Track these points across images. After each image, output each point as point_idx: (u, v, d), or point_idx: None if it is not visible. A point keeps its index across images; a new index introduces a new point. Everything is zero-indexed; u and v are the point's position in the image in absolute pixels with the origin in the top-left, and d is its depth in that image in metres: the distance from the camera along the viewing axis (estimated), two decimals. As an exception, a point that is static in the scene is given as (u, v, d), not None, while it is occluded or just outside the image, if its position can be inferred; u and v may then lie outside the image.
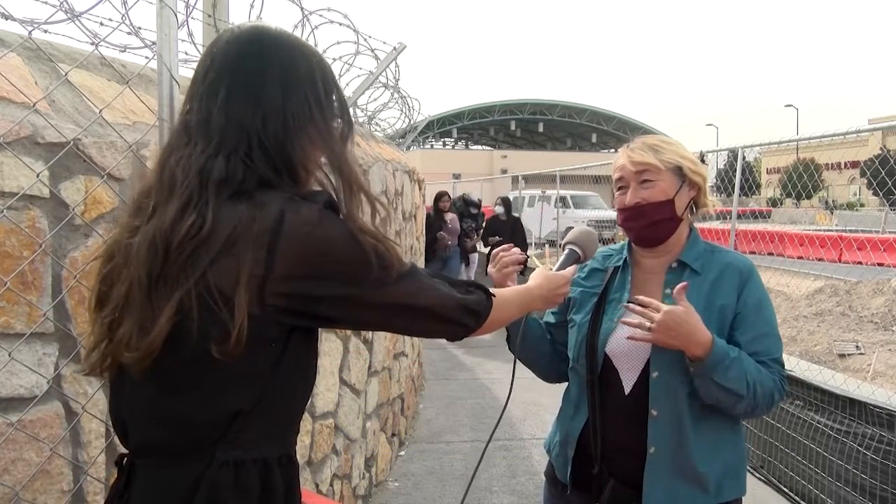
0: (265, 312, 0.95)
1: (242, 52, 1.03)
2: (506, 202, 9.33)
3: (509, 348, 1.68)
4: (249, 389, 0.98)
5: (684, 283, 1.49)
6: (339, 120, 1.10)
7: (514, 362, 1.60)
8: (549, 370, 1.78)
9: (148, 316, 0.95)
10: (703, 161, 1.66)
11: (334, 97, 1.10)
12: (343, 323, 1.11)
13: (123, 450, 1.08)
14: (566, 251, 1.59)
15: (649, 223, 1.59)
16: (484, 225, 9.69)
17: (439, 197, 8.81)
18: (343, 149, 1.08)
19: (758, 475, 3.97)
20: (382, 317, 1.08)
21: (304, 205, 0.98)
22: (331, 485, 3.13)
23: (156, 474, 0.99)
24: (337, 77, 1.18)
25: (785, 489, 3.80)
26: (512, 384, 1.53)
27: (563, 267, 1.53)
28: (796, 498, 3.69)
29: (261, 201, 0.96)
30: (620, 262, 1.68)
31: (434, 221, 8.52)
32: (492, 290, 1.24)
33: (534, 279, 1.42)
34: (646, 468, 1.51)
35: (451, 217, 8.82)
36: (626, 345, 1.56)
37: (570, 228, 1.79)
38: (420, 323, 1.11)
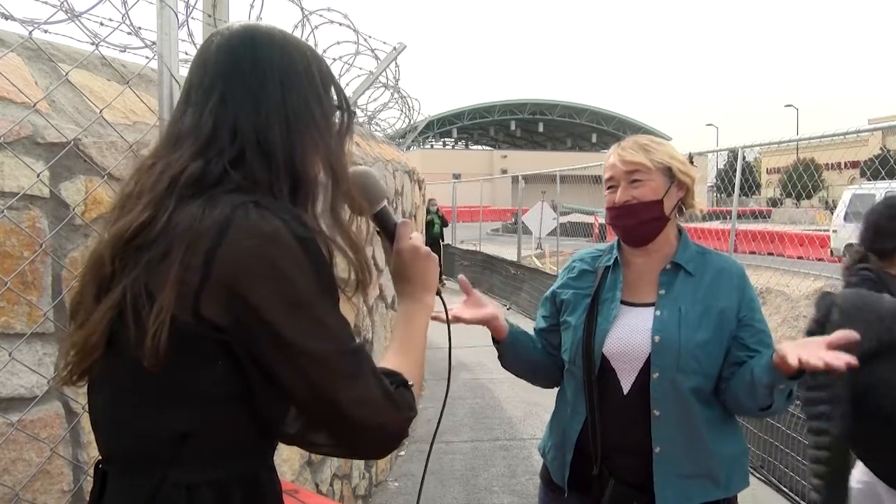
0: (203, 327, 0.85)
1: (235, 54, 0.98)
2: None
3: (499, 359, 1.73)
4: (194, 410, 0.89)
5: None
6: (339, 113, 1.06)
7: (448, 327, 1.28)
8: (547, 377, 1.78)
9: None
10: (691, 162, 1.66)
11: (333, 91, 1.06)
12: (263, 364, 0.88)
13: None
14: (380, 207, 1.15)
15: (638, 222, 1.60)
16: None
17: None
18: (340, 145, 1.04)
19: (758, 475, 3.96)
20: (297, 385, 0.89)
21: (263, 213, 0.87)
22: (331, 485, 3.13)
23: (120, 484, 0.96)
24: (336, 76, 1.16)
25: (785, 489, 3.80)
26: (450, 346, 1.23)
27: (389, 233, 1.15)
28: (796, 498, 3.69)
29: (215, 202, 0.87)
30: (610, 262, 1.68)
31: None
32: (395, 359, 1.05)
33: (406, 294, 1.14)
34: (654, 468, 1.51)
35: None
36: (623, 345, 1.57)
37: None
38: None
